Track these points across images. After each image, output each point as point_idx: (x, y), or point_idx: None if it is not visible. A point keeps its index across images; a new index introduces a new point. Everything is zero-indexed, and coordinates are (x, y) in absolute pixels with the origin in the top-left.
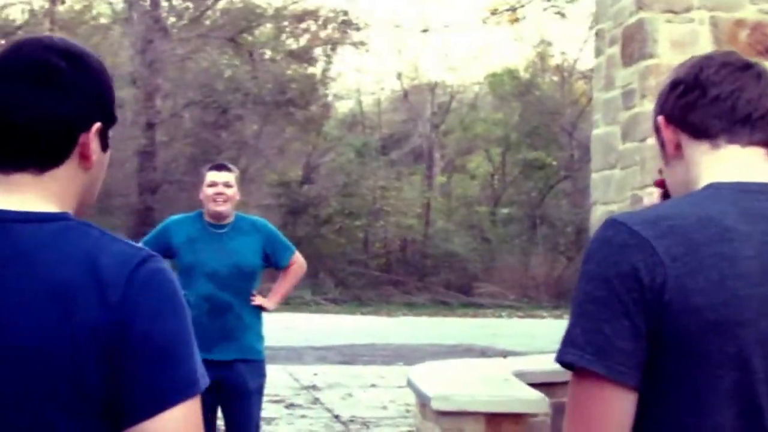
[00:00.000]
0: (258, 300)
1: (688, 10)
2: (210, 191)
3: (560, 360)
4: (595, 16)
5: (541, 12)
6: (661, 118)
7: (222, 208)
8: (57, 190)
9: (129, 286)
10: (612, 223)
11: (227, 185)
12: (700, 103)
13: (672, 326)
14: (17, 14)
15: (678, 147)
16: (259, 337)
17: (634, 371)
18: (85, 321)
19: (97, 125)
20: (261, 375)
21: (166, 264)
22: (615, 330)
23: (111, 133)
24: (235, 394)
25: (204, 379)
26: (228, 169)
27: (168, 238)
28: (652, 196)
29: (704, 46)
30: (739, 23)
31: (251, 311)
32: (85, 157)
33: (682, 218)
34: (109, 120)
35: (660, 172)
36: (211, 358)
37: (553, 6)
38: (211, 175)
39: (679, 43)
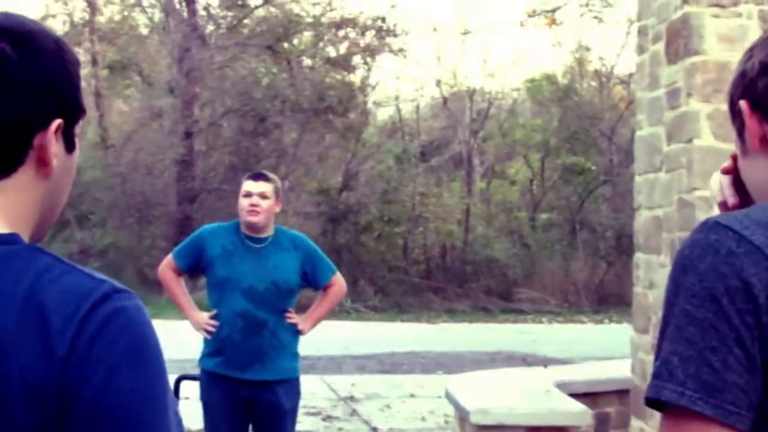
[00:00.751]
0: (294, 319)
1: (735, 4)
2: (245, 202)
3: (654, 397)
4: (638, 13)
5: (578, 17)
6: (744, 104)
7: (255, 219)
8: (8, 206)
9: (81, 332)
10: (713, 226)
11: (263, 196)
12: None
13: None
14: (58, 25)
15: (763, 140)
16: (295, 356)
17: (746, 412)
18: (19, 377)
19: (57, 123)
20: (296, 393)
21: (135, 300)
22: (725, 360)
23: (78, 129)
24: (270, 415)
25: None
26: (266, 179)
27: (202, 249)
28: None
29: (753, 40)
30: None
31: (287, 329)
32: (44, 163)
33: None
34: (72, 115)
35: (734, 158)
36: (245, 378)
37: (590, 11)
38: (247, 185)
39: (727, 38)
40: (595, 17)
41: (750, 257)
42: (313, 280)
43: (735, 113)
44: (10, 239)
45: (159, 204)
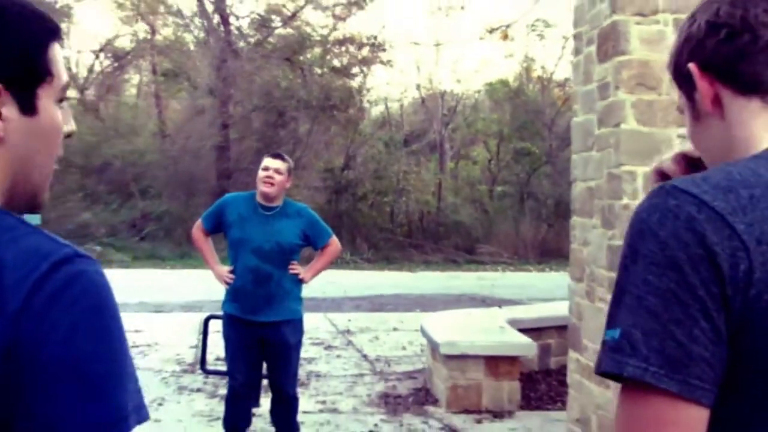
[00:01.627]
0: (297, 269)
1: (654, 13)
2: (262, 174)
3: (617, 372)
4: (574, 21)
5: (525, 35)
6: (694, 67)
7: (268, 189)
8: None
9: (36, 291)
10: (671, 190)
11: (278, 172)
12: (749, 51)
13: (759, 329)
14: (126, 42)
15: (716, 102)
16: (298, 300)
17: (711, 387)
18: None
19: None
20: (299, 331)
21: (96, 265)
22: (690, 333)
23: (42, 92)
24: (278, 349)
25: (139, 414)
26: (282, 159)
27: (222, 214)
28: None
29: (670, 43)
30: None
31: (290, 279)
32: None
33: (764, 186)
34: (29, 77)
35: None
36: (258, 320)
37: (534, 30)
38: (267, 161)
39: (648, 41)
40: (539, 35)
41: (712, 224)
42: (313, 241)
43: (682, 79)
44: None
45: (202, 180)
